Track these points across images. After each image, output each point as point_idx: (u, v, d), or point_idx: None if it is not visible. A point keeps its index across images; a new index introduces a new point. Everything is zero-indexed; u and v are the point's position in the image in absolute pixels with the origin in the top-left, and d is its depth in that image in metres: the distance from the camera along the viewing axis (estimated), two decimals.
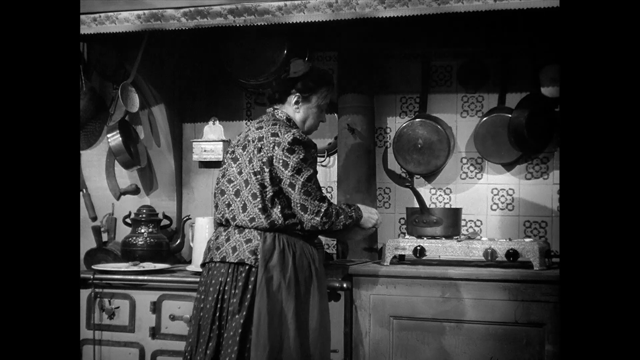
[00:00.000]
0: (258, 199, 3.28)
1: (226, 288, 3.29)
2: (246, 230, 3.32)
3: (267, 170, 3.28)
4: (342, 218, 3.36)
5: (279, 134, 3.30)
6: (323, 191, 3.39)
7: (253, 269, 3.26)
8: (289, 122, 3.42)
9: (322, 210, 3.29)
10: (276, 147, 3.28)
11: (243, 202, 3.32)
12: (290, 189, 3.28)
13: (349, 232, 3.52)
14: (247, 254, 3.27)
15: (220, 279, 3.31)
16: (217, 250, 3.36)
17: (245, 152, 3.37)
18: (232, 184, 3.37)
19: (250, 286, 3.26)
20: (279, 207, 3.28)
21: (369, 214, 3.52)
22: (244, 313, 3.23)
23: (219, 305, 3.29)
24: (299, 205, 3.28)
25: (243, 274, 3.27)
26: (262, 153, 3.30)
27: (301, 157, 3.28)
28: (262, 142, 3.32)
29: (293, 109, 3.48)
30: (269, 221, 3.28)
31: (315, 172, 3.33)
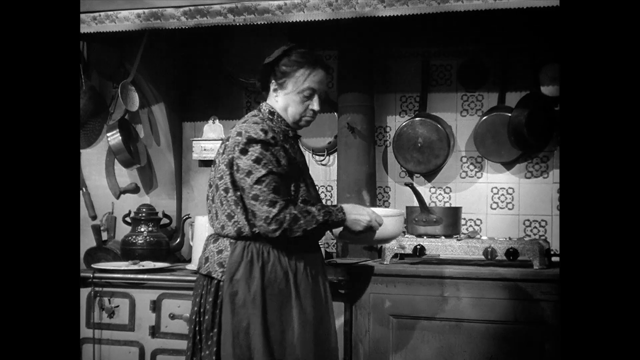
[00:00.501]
0: (224, 205, 3.04)
1: (202, 301, 3.08)
2: (220, 240, 3.08)
3: (228, 173, 3.01)
4: (302, 223, 2.94)
5: (242, 133, 3.00)
6: (315, 193, 3.16)
7: (221, 283, 3.02)
8: (272, 116, 3.12)
9: (271, 216, 2.91)
10: (236, 148, 2.99)
11: (216, 209, 3.09)
12: (242, 194, 2.99)
13: (334, 236, 3.23)
14: (215, 267, 3.04)
15: (199, 291, 3.11)
16: (199, 259, 3.19)
17: (217, 154, 3.14)
18: (210, 189, 3.15)
19: (219, 301, 3.03)
20: (245, 213, 3.00)
21: (357, 216, 3.09)
22: (216, 330, 3.02)
23: (196, 319, 3.09)
24: (250, 211, 2.97)
25: (212, 289, 3.04)
26: (224, 155, 3.04)
27: (253, 157, 2.94)
28: (227, 143, 3.06)
29: (273, 98, 3.14)
30: (235, 229, 3.02)
31: (271, 172, 2.95)
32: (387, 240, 3.32)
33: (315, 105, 3.11)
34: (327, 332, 3.13)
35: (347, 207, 3.10)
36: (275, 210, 2.91)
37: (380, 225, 3.14)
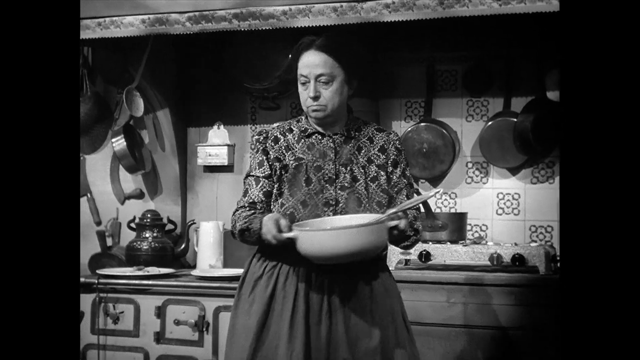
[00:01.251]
0: None
1: None
2: None
3: None
4: (237, 226, 2.84)
5: None
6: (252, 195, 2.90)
7: None
8: (301, 115, 2.99)
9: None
10: None
11: None
12: None
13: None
14: None
15: None
16: None
17: None
18: None
19: None
20: None
21: (266, 228, 2.72)
22: None
23: None
24: None
25: None
26: None
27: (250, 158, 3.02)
28: None
29: None
30: None
31: (248, 175, 2.92)
32: (321, 257, 2.67)
33: (310, 91, 2.83)
34: (282, 347, 2.76)
35: (267, 217, 2.74)
36: (233, 211, 2.91)
37: (275, 239, 2.67)
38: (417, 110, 4.45)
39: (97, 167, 4.85)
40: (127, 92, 4.41)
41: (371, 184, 2.88)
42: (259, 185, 2.89)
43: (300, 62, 2.86)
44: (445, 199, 4.39)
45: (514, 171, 4.29)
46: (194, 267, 4.47)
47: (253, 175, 2.91)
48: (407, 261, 3.93)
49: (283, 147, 2.91)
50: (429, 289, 3.68)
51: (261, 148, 2.92)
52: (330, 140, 2.91)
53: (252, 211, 2.85)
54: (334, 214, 2.81)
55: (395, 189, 2.93)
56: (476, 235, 4.31)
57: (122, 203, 4.81)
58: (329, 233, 2.61)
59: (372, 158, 2.93)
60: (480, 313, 3.60)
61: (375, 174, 2.90)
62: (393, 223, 2.66)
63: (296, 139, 2.93)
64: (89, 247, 4.66)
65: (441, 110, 4.39)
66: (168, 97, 4.66)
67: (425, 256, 3.84)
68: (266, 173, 2.89)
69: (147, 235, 4.46)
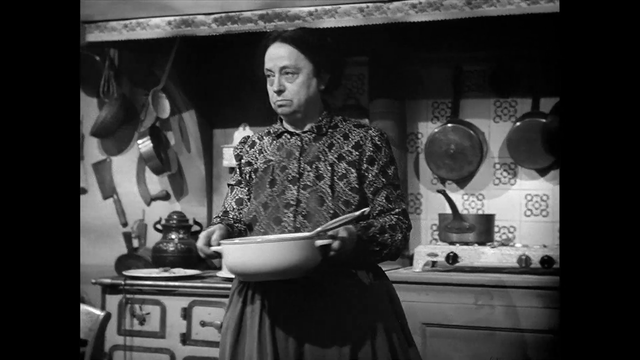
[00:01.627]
0: None
1: None
2: None
3: None
4: None
5: None
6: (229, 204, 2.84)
7: None
8: None
9: None
10: None
11: None
12: None
13: None
14: None
15: None
16: None
17: None
18: None
19: None
20: None
21: (198, 240, 2.66)
22: None
23: None
24: None
25: None
26: None
27: None
28: None
29: None
30: None
31: (228, 185, 2.87)
32: (242, 273, 2.56)
33: (274, 85, 2.71)
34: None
35: (210, 228, 2.67)
36: None
37: (201, 252, 2.64)
38: (443, 111, 4.41)
39: (123, 168, 4.87)
40: (153, 93, 4.43)
41: (339, 182, 2.65)
42: (232, 193, 2.82)
43: (266, 56, 2.70)
44: (473, 201, 4.35)
45: (542, 172, 4.24)
46: (219, 268, 4.47)
47: (230, 184, 2.86)
48: (434, 263, 3.91)
49: (257, 151, 2.81)
50: (456, 291, 3.65)
51: (235, 154, 2.87)
52: (299, 139, 2.75)
53: (212, 222, 2.77)
54: (295, 215, 2.62)
55: (372, 189, 2.68)
56: (504, 237, 4.27)
57: (148, 204, 4.83)
58: (244, 247, 2.48)
59: (343, 155, 2.69)
60: (508, 316, 3.57)
61: (345, 172, 2.66)
62: (322, 242, 2.45)
63: (270, 141, 2.82)
64: (115, 248, 4.69)
65: (468, 111, 4.35)
66: (194, 98, 4.67)
67: (452, 258, 3.81)
68: (237, 180, 2.82)
69: (173, 236, 4.47)
